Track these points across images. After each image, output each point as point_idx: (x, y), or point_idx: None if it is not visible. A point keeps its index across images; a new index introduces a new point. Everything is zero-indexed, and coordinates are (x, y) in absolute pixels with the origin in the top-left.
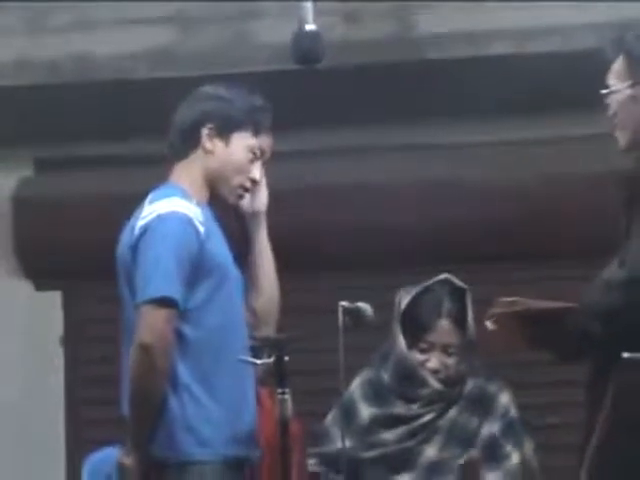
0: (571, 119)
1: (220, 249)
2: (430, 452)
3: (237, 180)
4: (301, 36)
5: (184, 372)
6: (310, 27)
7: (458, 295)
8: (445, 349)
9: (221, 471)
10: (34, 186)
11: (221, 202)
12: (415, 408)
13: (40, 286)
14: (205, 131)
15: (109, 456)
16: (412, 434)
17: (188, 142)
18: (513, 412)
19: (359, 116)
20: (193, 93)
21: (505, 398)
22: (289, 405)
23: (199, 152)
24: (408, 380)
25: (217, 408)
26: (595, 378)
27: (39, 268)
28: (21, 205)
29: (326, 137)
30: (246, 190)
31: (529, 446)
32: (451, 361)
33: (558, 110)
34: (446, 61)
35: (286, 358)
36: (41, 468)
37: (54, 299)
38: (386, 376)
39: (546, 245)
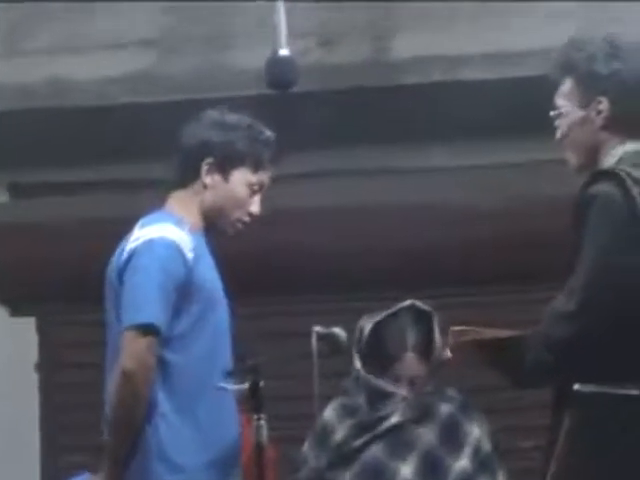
0: (544, 143)
1: (209, 276)
2: (406, 472)
3: (236, 215)
4: (274, 61)
5: (163, 399)
6: (284, 52)
7: (424, 321)
8: (412, 381)
9: None
10: (9, 211)
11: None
12: (381, 413)
13: (15, 312)
14: (205, 166)
15: None
16: (380, 438)
17: (187, 172)
18: (486, 446)
19: (334, 140)
20: (200, 116)
21: (477, 431)
22: (265, 431)
23: (198, 184)
24: (381, 402)
25: (194, 434)
26: (555, 404)
27: (14, 294)
28: None
29: (301, 161)
30: (244, 223)
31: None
32: (419, 389)
33: (531, 134)
34: (420, 85)
35: (261, 383)
36: None
37: (29, 325)
38: (361, 400)
39: (518, 268)
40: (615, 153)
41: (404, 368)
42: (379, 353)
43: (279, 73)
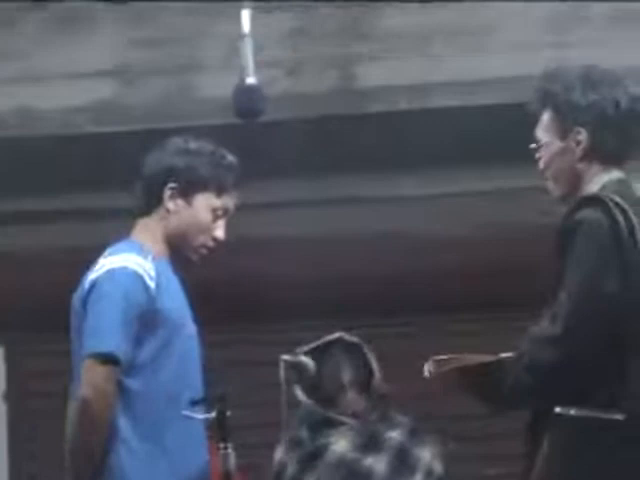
0: (511, 170)
1: (174, 305)
2: None
3: (200, 240)
4: (241, 90)
5: (125, 427)
6: (251, 81)
7: (356, 353)
8: (355, 414)
9: None
10: None
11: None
12: (324, 440)
13: None
14: (168, 192)
15: None
16: (330, 471)
17: (151, 199)
18: (438, 469)
19: (301, 169)
20: (162, 143)
21: (428, 455)
22: (232, 459)
23: (161, 210)
24: (325, 431)
25: (160, 462)
26: (529, 430)
27: None
28: None
29: (268, 190)
30: (208, 249)
31: None
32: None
33: (498, 161)
34: (386, 114)
35: (228, 413)
36: None
37: None
38: (303, 432)
39: (487, 296)
40: (599, 180)
41: (344, 405)
42: (319, 389)
43: (247, 102)
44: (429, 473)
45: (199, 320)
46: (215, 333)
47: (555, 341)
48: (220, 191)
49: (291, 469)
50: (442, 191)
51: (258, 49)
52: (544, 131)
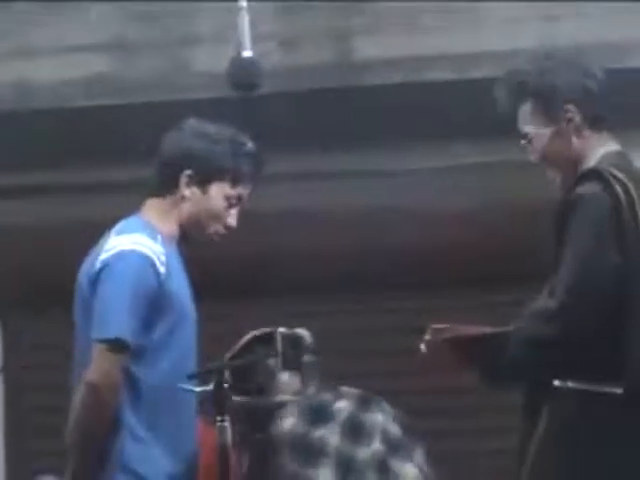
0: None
1: (180, 289)
2: (326, 477)
3: (212, 227)
4: (238, 63)
5: (129, 412)
6: (247, 54)
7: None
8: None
9: None
10: None
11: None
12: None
13: None
14: (184, 178)
15: None
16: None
17: (166, 182)
18: (394, 430)
19: (295, 142)
20: (181, 125)
21: (381, 418)
22: (228, 432)
23: (176, 195)
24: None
25: (158, 446)
26: (528, 404)
27: None
28: None
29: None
30: (220, 236)
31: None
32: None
33: (498, 135)
34: (383, 86)
35: (225, 385)
36: None
37: None
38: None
39: (488, 271)
40: (596, 154)
41: (279, 389)
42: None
43: (243, 74)
44: (385, 436)
45: (202, 294)
46: (213, 307)
47: (554, 316)
48: (236, 181)
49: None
50: (438, 164)
51: (254, 22)
52: (529, 123)
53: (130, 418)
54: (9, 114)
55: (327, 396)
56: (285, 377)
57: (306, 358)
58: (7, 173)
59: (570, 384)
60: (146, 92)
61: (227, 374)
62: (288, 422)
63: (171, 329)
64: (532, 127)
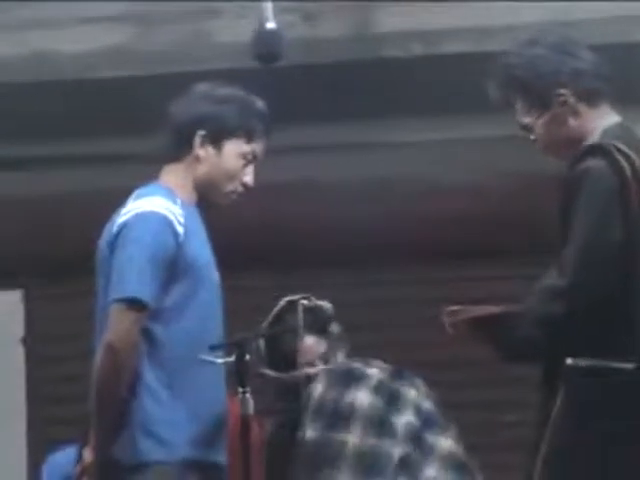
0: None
1: (201, 251)
2: (354, 436)
3: (229, 186)
4: (261, 34)
5: (149, 373)
6: (270, 25)
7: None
8: (321, 358)
9: (179, 471)
10: None
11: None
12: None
13: (1, 286)
14: (198, 139)
15: (69, 456)
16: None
17: (180, 145)
18: (426, 405)
19: (316, 113)
20: (190, 90)
21: (414, 393)
22: (250, 404)
23: (190, 157)
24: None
25: (180, 409)
26: (543, 380)
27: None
28: None
29: (285, 134)
30: (238, 195)
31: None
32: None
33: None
34: (402, 59)
35: (247, 357)
36: (2, 466)
37: (15, 299)
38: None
39: (499, 243)
40: (598, 128)
41: (304, 351)
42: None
43: (266, 46)
44: (418, 409)
45: (223, 266)
46: (236, 279)
47: (564, 293)
48: (250, 137)
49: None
50: (456, 136)
51: None
52: (526, 113)
53: (151, 380)
54: (31, 85)
55: (357, 364)
56: (310, 341)
57: (332, 327)
58: (26, 144)
59: (581, 362)
60: (168, 63)
61: (261, 344)
62: (317, 390)
63: (189, 291)
64: (529, 118)
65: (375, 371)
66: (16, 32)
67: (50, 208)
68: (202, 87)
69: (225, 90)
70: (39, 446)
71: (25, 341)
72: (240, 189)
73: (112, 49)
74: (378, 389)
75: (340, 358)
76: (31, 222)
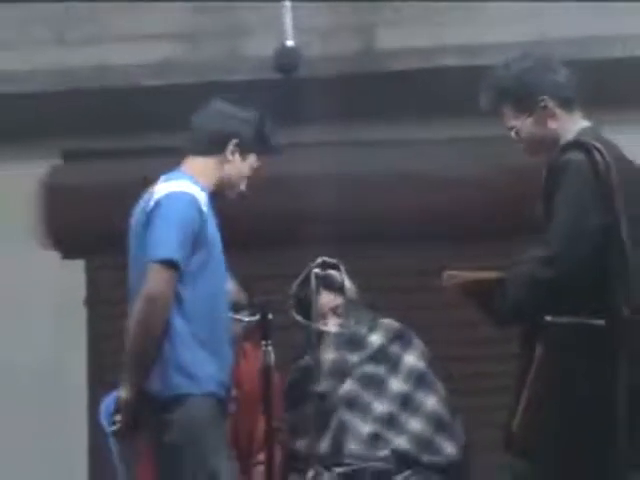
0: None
1: (213, 231)
2: (347, 387)
3: (240, 187)
4: (283, 51)
5: (179, 323)
6: (290, 43)
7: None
8: (333, 311)
9: (208, 403)
10: (62, 173)
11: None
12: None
13: (66, 255)
14: (231, 146)
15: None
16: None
17: (214, 145)
18: (419, 365)
19: (330, 117)
20: (215, 105)
21: (411, 358)
22: (272, 355)
23: (220, 157)
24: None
25: (204, 352)
26: (524, 339)
27: (66, 241)
28: (50, 189)
29: (302, 133)
30: (242, 195)
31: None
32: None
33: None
34: (402, 72)
35: (270, 316)
36: (65, 409)
37: (78, 266)
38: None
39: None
40: (573, 130)
41: (321, 305)
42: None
43: (286, 60)
44: (410, 371)
45: (250, 242)
46: (263, 252)
47: (550, 261)
48: (263, 155)
49: (291, 377)
50: (453, 135)
51: (296, 17)
52: (513, 119)
53: (180, 327)
54: (92, 91)
55: (363, 329)
56: (324, 297)
57: (347, 285)
58: (92, 138)
59: (561, 318)
60: (204, 74)
61: (293, 302)
62: (326, 350)
63: (205, 261)
64: (516, 121)
65: (376, 337)
66: (82, 46)
67: (107, 193)
68: (223, 106)
69: (245, 111)
70: (98, 391)
71: (87, 303)
72: (244, 192)
73: (157, 62)
74: (374, 355)
75: (351, 320)
76: (92, 204)
